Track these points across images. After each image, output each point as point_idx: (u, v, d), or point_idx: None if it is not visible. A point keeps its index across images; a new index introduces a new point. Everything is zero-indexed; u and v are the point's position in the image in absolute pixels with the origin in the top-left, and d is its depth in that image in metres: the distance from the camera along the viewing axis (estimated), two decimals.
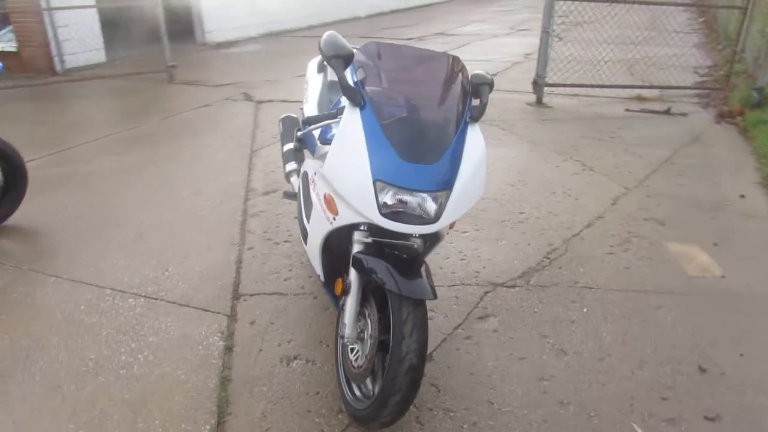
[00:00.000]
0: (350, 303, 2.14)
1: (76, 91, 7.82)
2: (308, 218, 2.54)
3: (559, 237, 3.60)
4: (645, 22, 7.48)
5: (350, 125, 2.00)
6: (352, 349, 2.23)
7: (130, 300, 3.01)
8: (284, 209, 3.93)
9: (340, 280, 2.23)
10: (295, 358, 2.60)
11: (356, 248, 2.12)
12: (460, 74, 2.17)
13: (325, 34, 2.10)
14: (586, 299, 3.00)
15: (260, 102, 6.90)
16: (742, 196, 4.12)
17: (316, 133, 2.72)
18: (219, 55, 10.50)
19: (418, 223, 1.98)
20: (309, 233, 2.50)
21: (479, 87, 2.16)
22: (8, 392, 2.39)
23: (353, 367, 2.20)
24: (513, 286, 3.12)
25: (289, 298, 3.03)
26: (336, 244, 2.30)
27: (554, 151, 5.08)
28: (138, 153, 5.22)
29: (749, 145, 5.18)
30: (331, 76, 3.16)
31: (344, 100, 2.07)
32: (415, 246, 2.12)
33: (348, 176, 1.99)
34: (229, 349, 2.65)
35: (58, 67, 8.58)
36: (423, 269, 2.07)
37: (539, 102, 6.60)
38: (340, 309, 2.23)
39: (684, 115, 6.09)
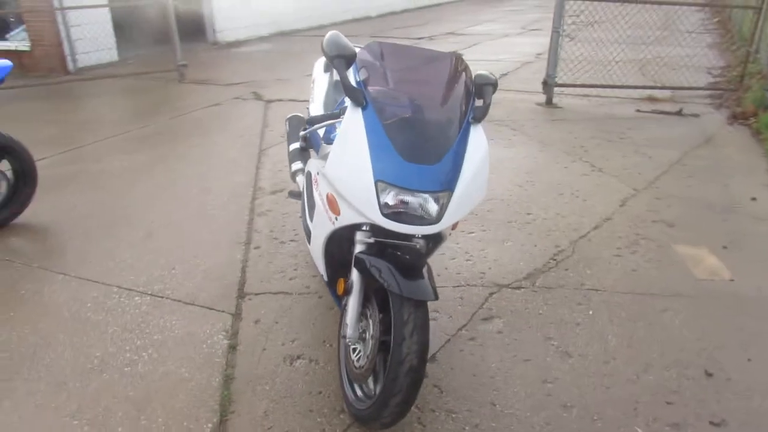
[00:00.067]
0: (352, 303, 2.14)
1: (87, 90, 7.88)
2: (311, 218, 2.54)
3: (566, 238, 3.58)
4: (657, 22, 7.43)
5: (352, 125, 2.00)
6: (354, 349, 2.23)
7: (136, 298, 3.03)
8: (291, 208, 3.94)
9: (342, 280, 2.23)
10: (298, 357, 2.60)
11: (358, 248, 2.12)
12: (464, 74, 2.16)
13: (328, 34, 2.10)
14: (592, 301, 2.98)
15: (269, 101, 6.92)
16: (754, 199, 4.07)
17: (321, 132, 2.72)
18: (229, 54, 10.55)
19: (420, 223, 1.97)
20: (312, 233, 2.50)
21: (483, 87, 2.15)
22: (14, 388, 2.42)
23: (355, 367, 2.20)
24: (518, 288, 3.10)
25: (294, 297, 3.03)
26: (339, 244, 2.30)
27: (563, 151, 5.05)
28: (148, 152, 5.26)
29: (762, 147, 5.12)
30: (337, 75, 3.16)
31: (347, 100, 2.07)
32: (418, 247, 2.12)
33: (349, 176, 1.98)
34: (233, 347, 2.66)
35: (70, 66, 8.65)
36: (425, 270, 2.06)
37: (549, 102, 6.56)
38: (343, 309, 2.23)
39: (696, 116, 6.03)
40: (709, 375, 2.47)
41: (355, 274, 2.13)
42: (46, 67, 8.51)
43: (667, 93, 6.66)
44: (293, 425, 2.24)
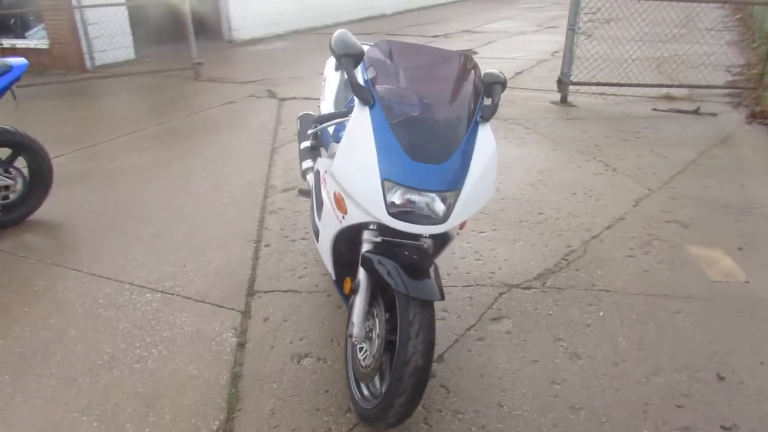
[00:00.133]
0: (359, 302, 2.14)
1: (104, 87, 7.97)
2: (319, 217, 2.54)
3: (578, 238, 3.55)
4: (675, 19, 7.33)
5: (359, 124, 1.99)
6: (360, 348, 2.23)
7: (148, 295, 3.06)
8: (302, 206, 3.95)
9: (348, 279, 2.23)
10: (306, 355, 2.60)
11: (365, 247, 2.12)
12: (472, 73, 2.15)
13: (336, 33, 2.10)
14: (602, 302, 2.95)
15: (283, 99, 6.95)
16: None
17: (332, 130, 2.73)
18: (245, 52, 10.60)
19: (427, 223, 1.96)
20: (320, 232, 2.50)
21: (491, 86, 2.13)
22: (26, 383, 2.45)
23: (361, 366, 2.20)
24: (528, 288, 3.08)
25: (303, 295, 3.04)
26: (346, 243, 2.29)
27: (577, 150, 5.01)
28: (162, 149, 5.30)
29: None
30: None
31: (355, 99, 2.07)
32: (425, 246, 2.12)
33: (356, 175, 1.98)
34: (241, 345, 2.67)
35: (88, 64, 8.76)
36: (432, 270, 2.05)
37: (564, 101, 6.51)
38: (350, 308, 2.23)
39: (713, 115, 5.94)
40: (721, 378, 2.44)
41: (361, 273, 2.13)
42: (65, 64, 8.62)
43: (684, 91, 6.57)
44: (300, 423, 2.24)
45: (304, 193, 3.13)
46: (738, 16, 11.40)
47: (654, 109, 6.18)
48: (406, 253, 2.08)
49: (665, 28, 7.37)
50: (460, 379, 2.46)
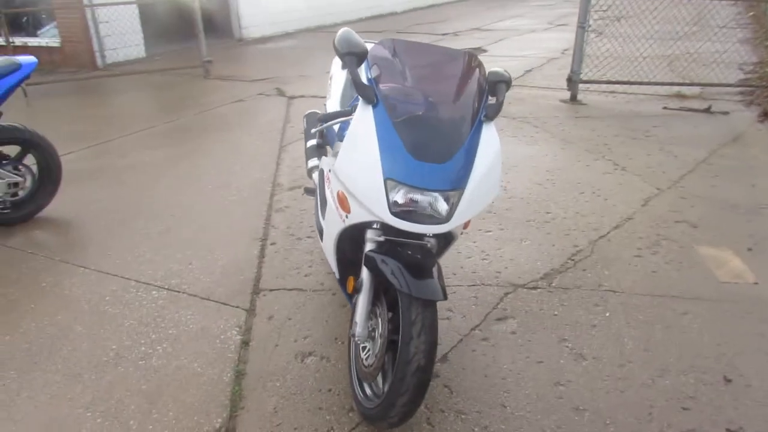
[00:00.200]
0: (362, 301, 2.13)
1: (115, 85, 8.02)
2: (323, 215, 2.54)
3: (585, 238, 3.52)
4: (687, 17, 7.25)
5: (362, 123, 1.99)
6: (363, 348, 2.22)
7: (154, 292, 3.07)
8: (308, 205, 3.95)
9: (351, 278, 2.23)
10: (310, 354, 2.60)
11: (368, 246, 2.11)
12: (477, 72, 2.13)
13: (340, 31, 2.09)
14: (609, 303, 2.92)
15: (292, 97, 6.96)
16: None
17: (337, 129, 2.72)
18: (255, 50, 10.62)
19: (430, 222, 1.95)
20: (324, 230, 2.50)
21: (496, 85, 2.11)
22: (32, 379, 2.47)
23: (364, 365, 2.19)
24: (534, 288, 3.06)
25: (308, 294, 3.04)
26: (350, 242, 2.29)
27: (586, 149, 4.97)
28: (172, 147, 5.33)
29: None
30: None
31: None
32: (429, 246, 2.11)
33: (359, 174, 1.97)
34: (245, 343, 2.68)
35: (99, 62, 8.82)
36: (435, 270, 2.04)
37: (573, 99, 6.47)
38: (353, 307, 2.22)
39: (725, 113, 5.88)
40: (728, 381, 2.41)
41: (365, 273, 2.12)
42: (76, 62, 8.69)
43: (695, 90, 6.50)
44: (302, 422, 2.24)
45: (310, 191, 3.13)
46: (751, 13, 11.26)
47: (665, 108, 6.12)
48: (410, 252, 2.08)
49: (677, 25, 7.29)
50: (463, 379, 2.45)
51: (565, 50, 8.89)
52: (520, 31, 11.39)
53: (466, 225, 2.22)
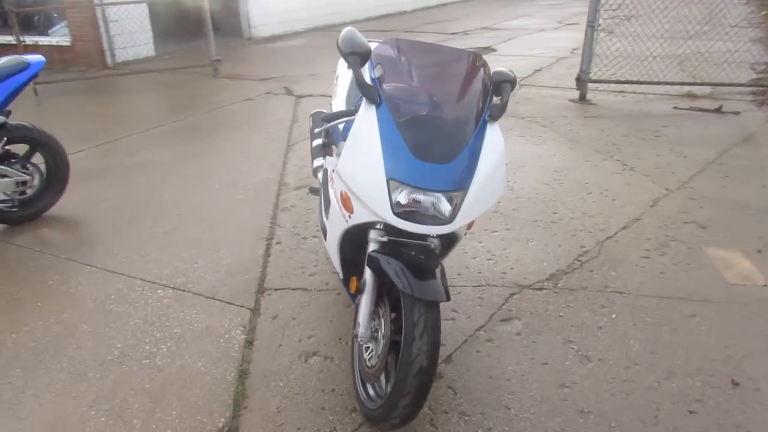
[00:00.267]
0: (365, 302, 2.13)
1: (125, 84, 8.06)
2: (327, 215, 2.54)
3: (592, 239, 3.50)
4: (698, 16, 7.18)
5: (365, 123, 1.98)
6: (366, 348, 2.21)
7: (159, 291, 3.08)
8: (314, 204, 3.95)
9: (354, 278, 2.22)
10: (313, 354, 2.60)
11: (372, 247, 2.10)
12: (481, 71, 2.11)
13: (344, 31, 2.08)
14: (615, 304, 2.90)
15: (300, 96, 6.96)
16: None
17: (342, 128, 2.71)
18: (264, 49, 10.64)
19: (433, 223, 1.94)
20: (327, 230, 2.49)
21: (500, 85, 2.10)
22: (38, 377, 2.48)
23: (367, 366, 2.19)
24: (540, 289, 3.04)
25: (313, 293, 3.04)
26: (353, 242, 2.28)
27: (594, 149, 4.94)
28: (180, 146, 5.35)
29: None
30: None
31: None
32: (432, 246, 2.09)
33: (361, 174, 1.96)
34: (249, 342, 2.68)
35: (109, 61, 8.87)
36: (438, 270, 2.03)
37: (582, 98, 6.43)
38: (356, 307, 2.22)
39: (736, 113, 5.82)
40: (736, 384, 2.38)
41: (368, 273, 2.12)
42: (86, 61, 8.74)
43: (706, 89, 6.44)
44: (305, 422, 2.24)
45: (315, 191, 3.12)
46: (764, 12, 11.14)
47: (675, 108, 6.07)
48: (413, 253, 2.06)
49: (688, 24, 7.23)
50: (467, 380, 2.44)
51: (575, 49, 8.83)
52: (529, 30, 11.34)
53: (470, 226, 2.20)
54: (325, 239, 2.60)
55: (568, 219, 3.74)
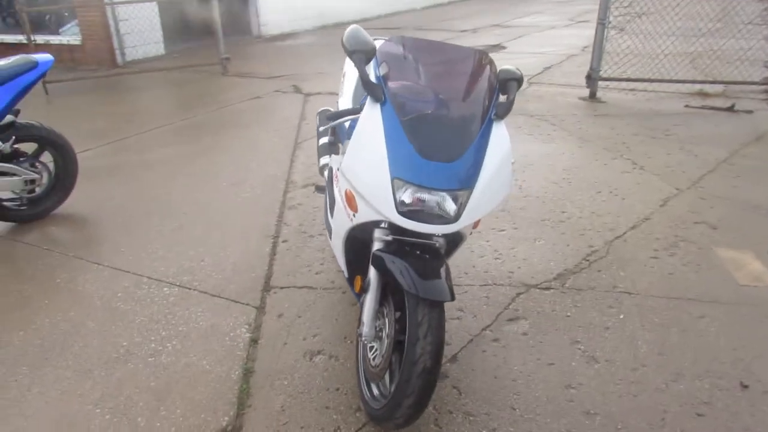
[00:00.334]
0: (369, 301, 2.12)
1: (134, 82, 8.09)
2: (332, 214, 2.53)
3: (601, 238, 3.46)
4: (711, 13, 7.10)
5: (369, 121, 1.96)
6: (370, 348, 2.20)
7: (165, 289, 3.08)
8: (321, 202, 3.94)
9: (359, 277, 2.21)
10: (318, 352, 2.59)
11: (376, 246, 2.09)
12: (487, 69, 2.10)
13: (348, 29, 2.07)
14: (623, 305, 2.87)
15: (308, 94, 6.96)
16: None
17: (348, 127, 2.70)
18: (273, 47, 10.65)
19: (438, 222, 1.92)
20: (333, 229, 2.48)
21: (507, 83, 2.07)
22: (44, 375, 2.49)
23: (371, 365, 2.18)
24: (547, 288, 3.02)
25: (319, 292, 3.03)
26: (358, 241, 2.27)
27: (604, 148, 4.90)
28: (188, 144, 5.36)
29: None
30: None
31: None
32: (437, 245, 2.08)
33: (366, 173, 1.95)
34: (254, 341, 2.68)
35: (119, 60, 8.91)
36: (443, 270, 2.01)
37: (593, 96, 6.38)
38: (360, 306, 2.21)
39: (749, 112, 5.75)
40: (745, 387, 2.35)
41: (372, 272, 2.10)
42: (96, 60, 8.79)
43: (719, 88, 6.37)
44: (309, 421, 2.23)
45: (321, 189, 3.11)
46: None
47: (686, 106, 6.01)
48: (418, 252, 2.05)
49: (700, 22, 7.15)
50: (473, 380, 2.42)
51: (586, 47, 8.77)
52: (540, 28, 11.28)
53: (475, 225, 2.19)
54: (330, 238, 2.59)
55: (576, 218, 3.71)
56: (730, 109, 5.81)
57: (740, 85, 6.36)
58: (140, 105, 7.04)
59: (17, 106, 3.59)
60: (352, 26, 2.09)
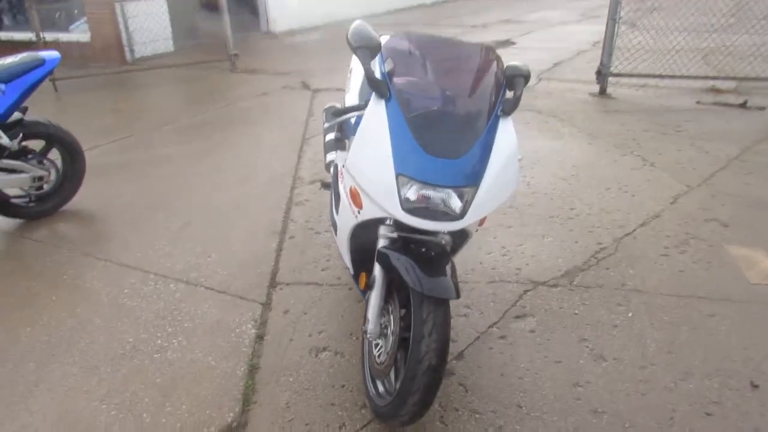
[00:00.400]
0: (374, 298, 2.11)
1: (143, 79, 8.11)
2: (337, 210, 2.52)
3: (610, 235, 3.43)
4: (725, 8, 7.01)
5: (374, 117, 1.95)
6: (375, 345, 2.19)
7: (171, 285, 3.09)
8: (327, 199, 3.93)
9: (364, 274, 2.20)
10: (324, 349, 2.59)
11: (381, 243, 2.08)
12: (494, 65, 2.07)
13: (353, 24, 2.05)
14: (632, 303, 2.84)
15: (317, 90, 6.95)
16: None
17: (354, 123, 2.69)
18: (281, 43, 10.65)
19: (443, 219, 1.90)
20: (338, 226, 2.47)
21: (513, 79, 2.05)
22: (50, 371, 2.50)
23: (376, 362, 2.17)
24: (555, 286, 2.99)
25: (325, 288, 3.02)
26: (363, 238, 2.26)
27: (614, 144, 4.85)
28: (197, 141, 5.36)
29: None
30: None
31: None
32: (443, 242, 2.06)
33: (370, 170, 1.93)
34: (260, 337, 2.67)
35: (128, 57, 8.93)
36: (448, 267, 1.99)
37: (603, 93, 6.32)
38: (366, 303, 2.20)
39: (762, 109, 5.67)
40: (755, 386, 2.31)
41: (377, 269, 2.09)
42: (105, 57, 8.81)
43: (731, 84, 6.29)
44: (314, 418, 2.23)
45: (327, 186, 3.11)
46: None
47: (698, 102, 5.94)
48: (423, 249, 2.03)
49: (713, 17, 7.07)
50: (479, 377, 2.40)
51: (596, 43, 8.68)
52: (550, 23, 11.21)
53: (481, 222, 2.17)
54: (336, 235, 2.58)
55: (585, 215, 3.68)
56: (743, 105, 5.74)
57: (753, 82, 6.27)
58: (149, 102, 7.06)
59: (25, 104, 3.60)
60: (357, 21, 2.07)
